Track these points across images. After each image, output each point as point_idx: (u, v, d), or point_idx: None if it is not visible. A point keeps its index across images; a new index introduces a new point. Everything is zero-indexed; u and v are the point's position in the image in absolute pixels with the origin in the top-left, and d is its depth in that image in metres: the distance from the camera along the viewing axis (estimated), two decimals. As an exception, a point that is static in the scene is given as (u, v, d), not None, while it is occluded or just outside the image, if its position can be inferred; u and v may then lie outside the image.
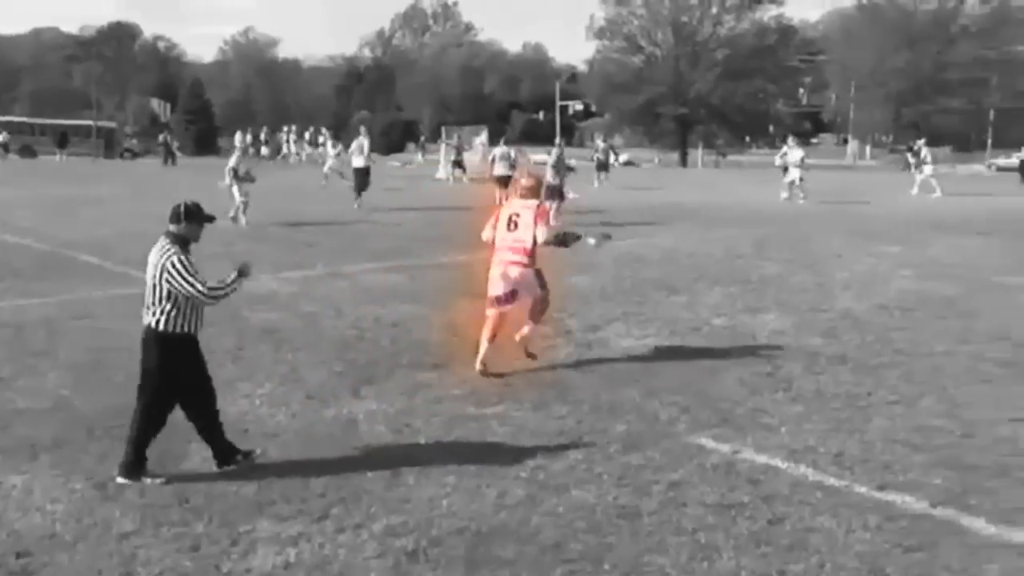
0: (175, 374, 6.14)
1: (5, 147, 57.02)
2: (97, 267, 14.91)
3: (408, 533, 5.50)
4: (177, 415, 6.31)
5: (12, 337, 10.05)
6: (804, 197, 30.45)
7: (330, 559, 5.20)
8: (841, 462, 6.67)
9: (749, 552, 5.31)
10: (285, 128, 62.73)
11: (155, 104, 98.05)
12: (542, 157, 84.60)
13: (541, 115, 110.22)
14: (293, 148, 59.88)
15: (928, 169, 36.00)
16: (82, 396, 7.98)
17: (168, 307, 6.08)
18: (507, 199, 27.20)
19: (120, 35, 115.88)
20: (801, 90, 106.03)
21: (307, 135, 62.96)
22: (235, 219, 20.80)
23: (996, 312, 12.08)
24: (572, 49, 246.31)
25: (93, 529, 5.53)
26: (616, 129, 79.13)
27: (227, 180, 21.37)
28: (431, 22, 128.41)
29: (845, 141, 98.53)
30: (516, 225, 9.14)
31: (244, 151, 22.91)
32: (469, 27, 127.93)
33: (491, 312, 9.11)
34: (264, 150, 60.96)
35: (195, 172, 43.04)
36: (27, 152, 60.45)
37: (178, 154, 59.39)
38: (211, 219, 6.32)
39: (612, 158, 42.86)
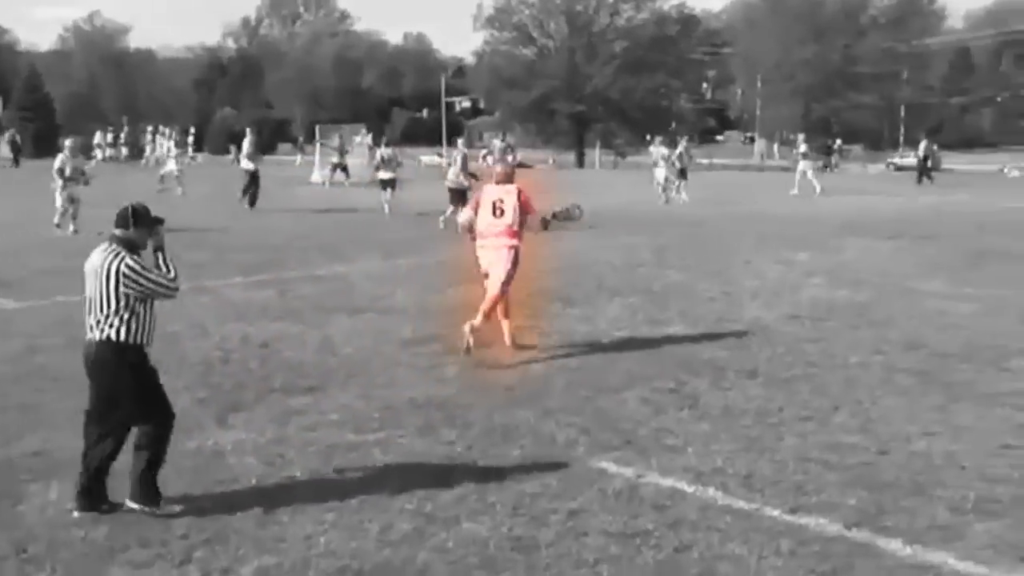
0: (142, 388, 6.17)
1: None
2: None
3: (283, 575, 5.43)
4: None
5: None
6: (666, 200, 31.34)
7: (193, 608, 5.10)
8: (751, 484, 6.81)
9: (655, 584, 5.38)
10: (151, 127, 61.35)
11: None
12: (432, 159, 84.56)
13: (425, 113, 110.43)
14: (166, 150, 58.85)
15: (804, 165, 37.63)
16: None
17: (127, 316, 6.09)
18: (390, 206, 27.41)
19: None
20: (705, 85, 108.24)
21: (172, 134, 61.85)
22: (59, 225, 20.46)
23: (909, 320, 12.51)
24: (458, 41, 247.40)
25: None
26: (507, 127, 79.48)
27: (57, 182, 20.92)
28: (302, 10, 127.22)
29: (752, 139, 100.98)
30: (502, 212, 10.58)
31: (73, 153, 21.95)
32: (344, 16, 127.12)
33: (485, 305, 10.55)
34: (124, 151, 59.67)
35: (40, 174, 41.80)
36: None
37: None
38: (160, 221, 6.36)
39: (512, 159, 43.06)
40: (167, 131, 62.01)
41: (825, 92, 75.88)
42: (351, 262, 17.43)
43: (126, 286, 6.06)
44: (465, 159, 24.41)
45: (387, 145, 30.30)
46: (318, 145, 44.89)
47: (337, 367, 9.85)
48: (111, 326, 6.09)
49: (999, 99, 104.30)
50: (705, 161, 72.70)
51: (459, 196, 23.02)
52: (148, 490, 6.23)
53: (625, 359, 10.33)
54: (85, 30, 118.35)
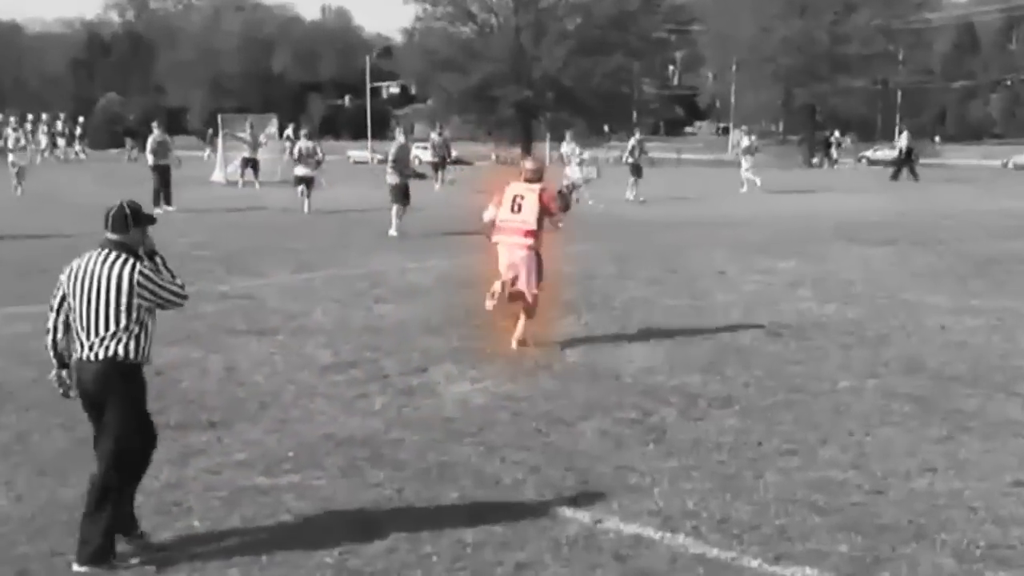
0: (139, 410, 6.35)
1: None
2: None
3: (177, 645, 5.37)
4: None
5: None
6: (582, 200, 31.78)
7: None
8: (727, 529, 6.84)
9: (616, 647, 5.39)
10: (14, 117, 60.64)
11: None
12: (362, 154, 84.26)
13: (347, 100, 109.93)
14: (14, 141, 58.16)
15: (745, 162, 38.61)
16: None
17: (137, 330, 6.24)
18: (309, 207, 27.37)
19: None
20: (671, 68, 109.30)
21: (48, 125, 61.39)
22: None
23: (907, 338, 12.66)
24: (384, 16, 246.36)
25: None
26: (442, 117, 79.47)
27: None
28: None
29: (726, 131, 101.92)
30: (520, 208, 11.76)
31: None
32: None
33: (496, 285, 11.81)
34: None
35: None
36: None
37: None
38: (153, 220, 6.58)
39: (447, 155, 43.33)
40: (41, 121, 61.40)
41: (809, 76, 76.46)
42: (260, 275, 17.33)
43: (140, 296, 6.18)
44: (401, 151, 24.27)
45: (307, 137, 30.34)
46: (221, 138, 44.53)
47: (244, 398, 9.77)
48: (119, 342, 6.18)
49: (1008, 83, 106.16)
50: (673, 156, 73.19)
51: (401, 193, 23.17)
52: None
53: (580, 386, 10.36)
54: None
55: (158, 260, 6.48)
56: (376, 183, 35.46)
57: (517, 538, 6.66)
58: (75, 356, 6.29)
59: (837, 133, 67.72)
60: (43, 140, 60.79)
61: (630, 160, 34.66)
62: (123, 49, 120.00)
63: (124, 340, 6.19)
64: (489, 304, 11.82)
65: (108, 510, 6.22)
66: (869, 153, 78.35)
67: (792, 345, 12.23)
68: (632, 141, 35.71)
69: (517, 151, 38.29)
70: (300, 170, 28.93)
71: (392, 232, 22.94)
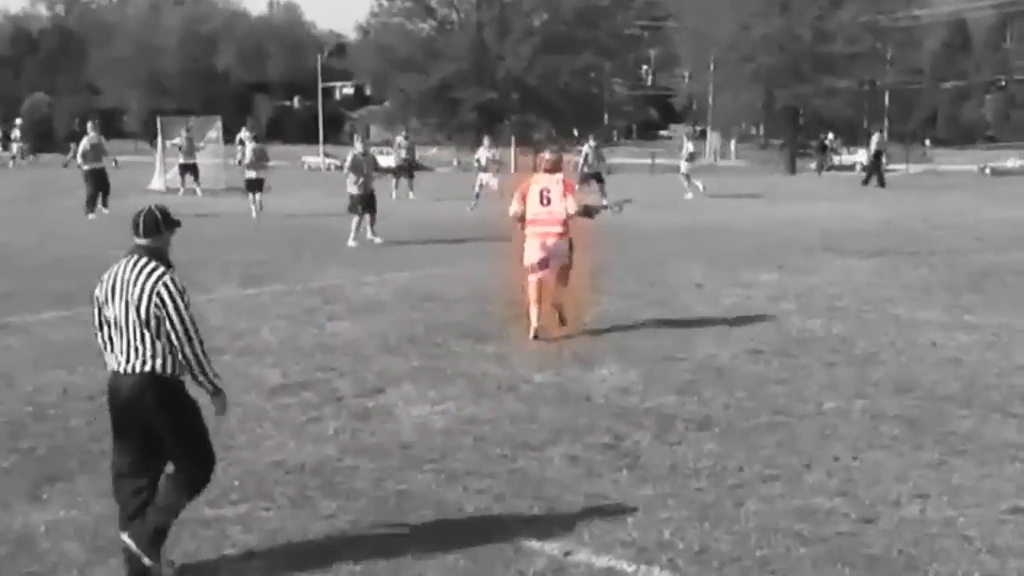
0: (193, 426, 6.55)
1: None
2: None
3: None
4: None
5: None
6: (472, 206, 32.64)
7: None
8: (706, 561, 6.85)
9: None
10: None
11: None
12: (315, 160, 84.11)
13: (296, 101, 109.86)
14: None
15: (684, 167, 39.58)
16: None
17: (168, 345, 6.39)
18: (259, 210, 27.34)
19: None
20: (645, 68, 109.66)
21: None
22: None
23: (897, 355, 12.72)
24: (337, 11, 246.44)
25: None
26: (400, 120, 79.36)
27: None
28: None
29: (703, 134, 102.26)
30: (549, 200, 13.44)
31: None
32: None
33: (532, 279, 13.54)
34: None
35: None
36: None
37: None
38: (179, 224, 6.77)
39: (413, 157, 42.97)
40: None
41: (791, 76, 76.78)
42: (203, 290, 17.22)
43: (160, 307, 6.30)
44: (357, 160, 24.30)
45: (255, 140, 30.84)
46: (160, 142, 44.32)
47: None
48: (155, 356, 6.34)
49: (1002, 84, 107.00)
50: (647, 161, 73.40)
51: (363, 203, 23.41)
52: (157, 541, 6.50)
53: (549, 408, 10.36)
54: None
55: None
56: (331, 190, 35.48)
57: (481, 572, 6.65)
58: (110, 369, 6.52)
59: (831, 136, 67.99)
60: None
61: (585, 170, 34.47)
62: (52, 45, 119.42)
63: (159, 352, 6.35)
64: (533, 335, 13.35)
65: (178, 499, 6.55)
66: (835, 158, 78.95)
67: (774, 364, 12.27)
68: (585, 148, 35.58)
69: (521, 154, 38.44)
70: (251, 173, 29.11)
71: (351, 242, 23.05)
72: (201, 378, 6.47)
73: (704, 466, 8.66)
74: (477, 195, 33.39)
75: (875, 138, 49.78)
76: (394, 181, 39.20)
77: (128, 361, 6.34)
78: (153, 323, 6.30)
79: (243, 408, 10.22)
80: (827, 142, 70.07)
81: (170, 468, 6.58)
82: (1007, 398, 10.76)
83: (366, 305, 15.86)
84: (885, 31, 78.07)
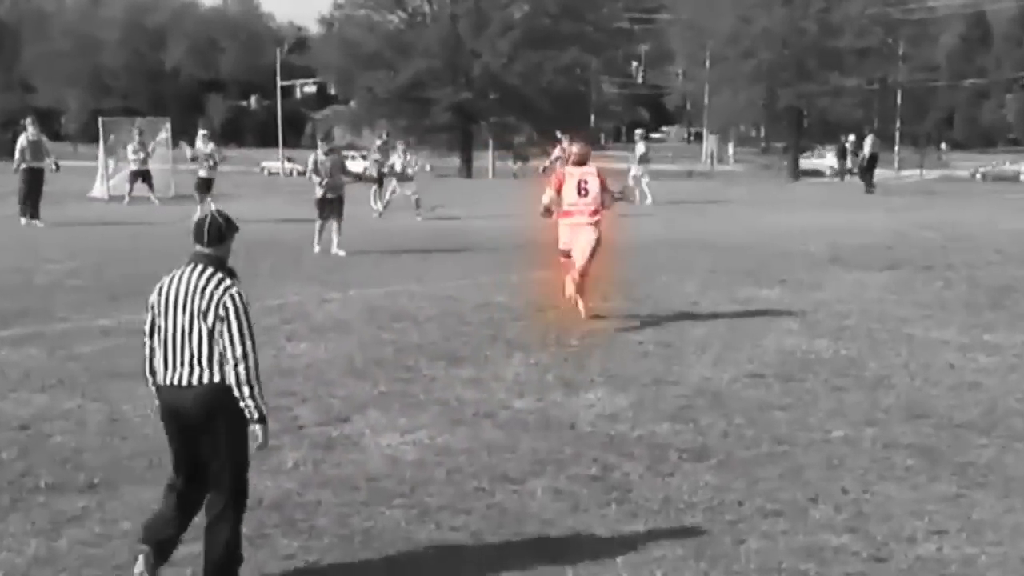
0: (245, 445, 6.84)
1: None
2: None
3: None
4: None
5: None
6: (379, 213, 33.55)
7: None
8: (702, 604, 6.86)
9: None
10: None
11: None
12: (275, 164, 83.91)
13: (253, 101, 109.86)
14: None
15: (636, 169, 40.27)
16: None
17: None
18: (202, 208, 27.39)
19: None
20: (635, 64, 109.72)
21: None
22: None
23: (911, 379, 12.76)
24: (298, 2, 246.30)
25: None
26: (366, 121, 79.42)
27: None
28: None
29: (698, 136, 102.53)
30: (586, 191, 15.63)
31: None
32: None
33: (567, 261, 15.84)
34: None
35: None
36: None
37: None
38: (237, 229, 7.05)
39: (411, 165, 41.20)
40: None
41: (795, 74, 76.89)
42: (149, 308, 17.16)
43: (223, 319, 6.59)
44: (322, 163, 24.50)
45: (208, 138, 31.23)
46: (101, 145, 44.15)
47: (131, 455, 9.69)
48: (221, 365, 6.63)
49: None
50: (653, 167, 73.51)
51: (333, 206, 23.68)
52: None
53: (531, 437, 10.36)
54: None
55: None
56: (293, 198, 35.48)
57: (456, 617, 6.65)
58: (165, 381, 6.78)
59: (852, 138, 67.81)
60: None
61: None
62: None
63: (222, 363, 6.62)
64: (584, 315, 15.86)
65: (235, 532, 6.86)
66: (816, 160, 79.33)
67: (776, 388, 12.29)
68: (556, 151, 35.62)
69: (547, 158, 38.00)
70: (203, 172, 29.34)
71: (315, 248, 23.25)
72: (248, 401, 6.66)
73: (700, 500, 8.67)
74: (386, 203, 33.92)
75: (869, 140, 49.99)
76: (374, 192, 37.62)
77: (192, 373, 6.64)
78: (216, 334, 6.60)
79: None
80: (848, 144, 69.54)
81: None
82: (1031, 425, 10.81)
83: (329, 324, 15.83)
84: (897, 24, 78.23)
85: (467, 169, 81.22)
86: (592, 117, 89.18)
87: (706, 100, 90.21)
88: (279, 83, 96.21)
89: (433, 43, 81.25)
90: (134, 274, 20.49)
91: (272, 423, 10.51)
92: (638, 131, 43.97)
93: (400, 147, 35.87)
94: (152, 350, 6.90)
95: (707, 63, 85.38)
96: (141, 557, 6.75)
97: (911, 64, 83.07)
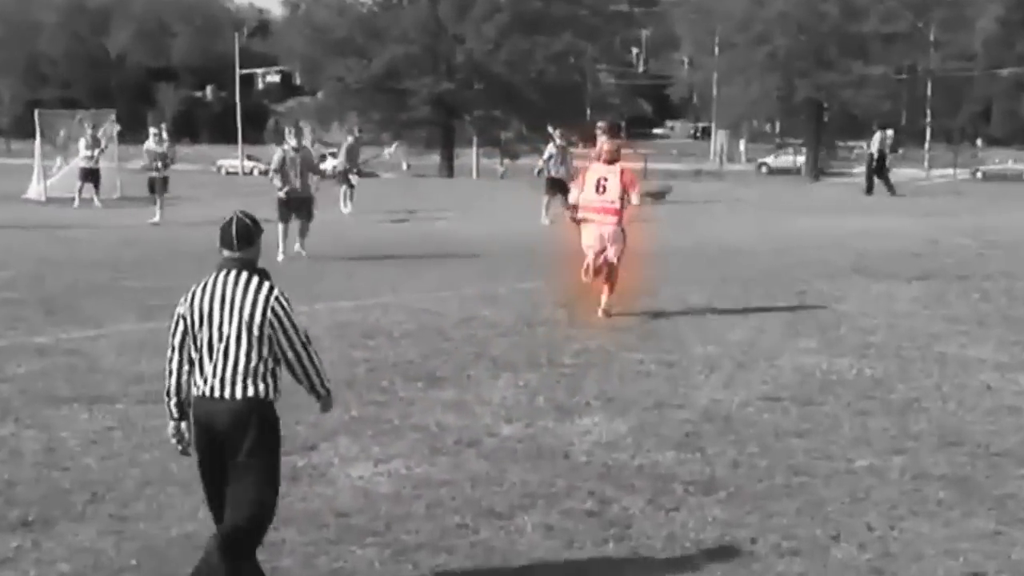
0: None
1: None
2: None
3: None
4: None
5: None
6: (348, 211, 34.46)
7: None
8: (711, 654, 6.87)
9: None
10: None
11: None
12: (233, 163, 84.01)
13: (208, 92, 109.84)
14: None
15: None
16: None
17: (273, 366, 7.10)
18: (161, 212, 27.45)
19: None
20: (635, 51, 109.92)
21: None
22: None
23: (944, 402, 12.75)
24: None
25: None
26: (335, 115, 79.32)
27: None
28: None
29: (706, 132, 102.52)
30: (605, 188, 17.01)
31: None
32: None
33: (589, 259, 17.16)
34: None
35: None
36: None
37: None
38: (263, 230, 7.36)
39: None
40: None
41: (814, 62, 76.94)
42: (94, 324, 17.18)
43: (274, 327, 6.98)
44: (284, 159, 24.62)
45: (159, 138, 31.58)
46: (38, 141, 44.03)
47: (71, 488, 9.67)
48: (258, 378, 7.00)
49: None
50: (638, 165, 73.56)
51: (300, 208, 23.86)
52: None
53: (519, 468, 10.36)
54: None
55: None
56: (253, 200, 35.42)
57: (435, 669, 6.65)
58: (198, 393, 7.06)
59: (889, 132, 67.41)
60: None
61: (549, 173, 34.58)
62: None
63: (263, 374, 6.99)
64: (585, 278, 17.29)
65: (249, 560, 7.16)
66: (770, 159, 79.52)
67: (793, 412, 12.30)
68: (550, 148, 35.67)
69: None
70: (156, 172, 29.52)
71: (279, 256, 23.11)
72: (320, 389, 7.37)
73: (708, 537, 8.68)
74: (346, 200, 34.54)
75: (877, 136, 50.14)
76: (344, 192, 38.02)
77: (233, 384, 6.93)
78: (265, 342, 6.94)
79: (142, 469, 10.20)
80: (887, 139, 68.98)
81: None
82: (1077, 453, 10.82)
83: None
84: (928, 7, 78.31)
85: (448, 168, 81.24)
86: (588, 111, 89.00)
87: (715, 91, 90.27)
88: (238, 72, 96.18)
89: (410, 27, 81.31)
90: (74, 286, 20.54)
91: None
92: (600, 124, 43.07)
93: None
94: (180, 364, 7.13)
95: (716, 50, 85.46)
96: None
97: (943, 51, 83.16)
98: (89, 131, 40.52)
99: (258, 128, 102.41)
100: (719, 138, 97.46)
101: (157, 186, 31.93)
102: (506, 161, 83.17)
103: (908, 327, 17.21)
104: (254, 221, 7.21)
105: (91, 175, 39.86)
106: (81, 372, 14.02)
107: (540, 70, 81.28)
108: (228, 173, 78.66)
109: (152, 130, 34.51)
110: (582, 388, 13.32)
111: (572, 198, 18.06)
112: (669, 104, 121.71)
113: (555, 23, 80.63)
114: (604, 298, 17.49)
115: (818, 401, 12.75)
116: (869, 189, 48.35)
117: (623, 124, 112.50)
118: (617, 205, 17.11)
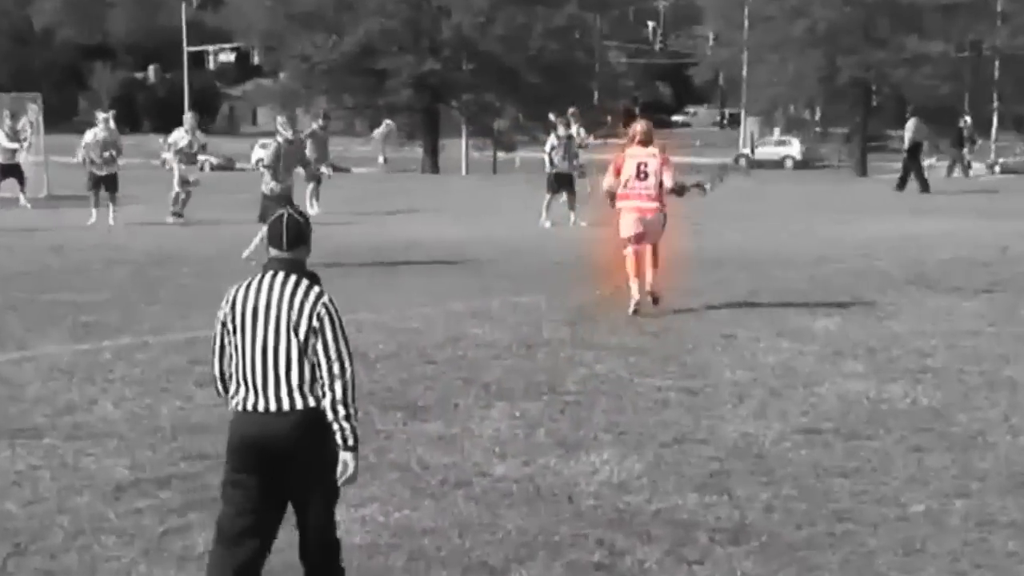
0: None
1: None
2: None
3: None
4: None
5: None
6: (315, 212, 34.46)
7: None
8: None
9: None
10: None
11: None
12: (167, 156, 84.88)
13: (151, 72, 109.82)
14: None
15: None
16: None
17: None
18: (113, 216, 27.60)
19: None
20: (651, 25, 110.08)
21: None
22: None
23: (1013, 437, 12.75)
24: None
25: None
26: (301, 100, 79.18)
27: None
28: None
29: (734, 119, 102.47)
30: (646, 174, 19.10)
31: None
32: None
33: (629, 251, 19.18)
34: None
35: None
36: None
37: None
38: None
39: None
40: None
41: (861, 38, 76.83)
42: (17, 345, 17.19)
43: (323, 333, 7.23)
44: (281, 152, 24.80)
45: (107, 122, 31.73)
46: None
47: (44, 521, 9.71)
48: (313, 387, 7.29)
49: None
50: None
51: (287, 205, 23.94)
52: None
53: (515, 513, 10.36)
54: None
55: None
56: (204, 199, 35.51)
57: None
58: (244, 407, 7.31)
59: (968, 120, 66.80)
60: None
61: (552, 168, 34.62)
62: None
63: (316, 389, 7.26)
64: (632, 310, 19.02)
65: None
66: (747, 150, 79.91)
67: (838, 448, 12.31)
68: (552, 139, 35.65)
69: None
70: (99, 169, 29.60)
71: (245, 254, 23.25)
72: (344, 423, 7.36)
73: (738, 595, 8.69)
74: (183, 199, 34.78)
75: (911, 124, 50.10)
76: (310, 191, 38.17)
77: (283, 397, 7.21)
78: (309, 350, 7.20)
79: (72, 516, 10.19)
80: (964, 128, 67.95)
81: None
82: None
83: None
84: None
85: (433, 162, 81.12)
86: (595, 94, 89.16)
87: (743, 72, 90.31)
88: (186, 50, 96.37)
89: (388, 1, 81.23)
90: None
91: (176, 495, 10.61)
92: (571, 111, 42.38)
93: (190, 121, 36.37)
94: (222, 372, 7.46)
95: (746, 24, 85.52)
96: None
97: (1012, 24, 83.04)
98: (8, 120, 40.36)
99: (209, 114, 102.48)
100: (750, 125, 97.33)
101: (105, 184, 31.79)
102: (499, 154, 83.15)
103: (971, 348, 17.20)
104: (306, 219, 7.49)
105: (12, 171, 39.76)
106: (1, 401, 14.02)
107: (539, 47, 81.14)
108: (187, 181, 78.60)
109: (100, 115, 34.48)
110: (589, 420, 13.33)
111: (607, 184, 19.72)
112: (691, 87, 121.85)
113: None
114: (649, 278, 19.42)
115: (866, 435, 12.75)
116: (901, 183, 48.41)
117: (637, 110, 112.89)
118: (658, 189, 19.26)
